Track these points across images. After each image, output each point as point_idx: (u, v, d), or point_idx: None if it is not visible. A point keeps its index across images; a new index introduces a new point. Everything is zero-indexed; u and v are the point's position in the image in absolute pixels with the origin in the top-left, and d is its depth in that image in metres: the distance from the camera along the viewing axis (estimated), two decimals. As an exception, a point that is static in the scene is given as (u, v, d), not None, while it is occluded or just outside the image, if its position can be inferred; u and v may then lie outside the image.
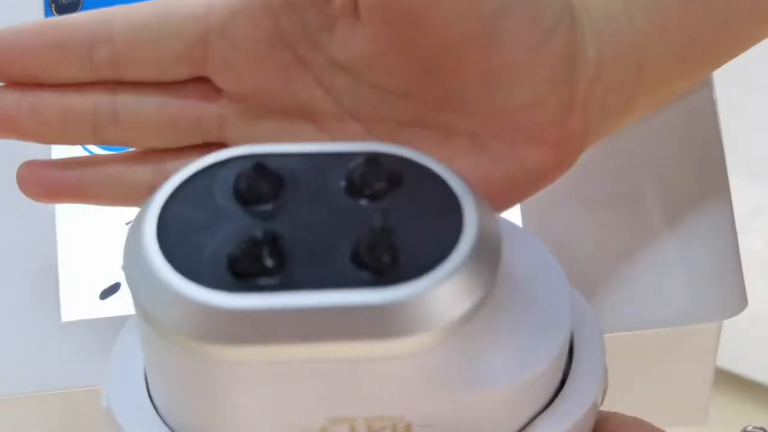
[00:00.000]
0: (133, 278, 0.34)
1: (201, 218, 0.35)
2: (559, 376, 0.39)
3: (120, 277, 0.56)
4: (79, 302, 0.55)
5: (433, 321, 0.33)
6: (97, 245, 0.56)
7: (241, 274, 0.33)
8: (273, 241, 0.34)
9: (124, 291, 0.56)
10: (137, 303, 0.34)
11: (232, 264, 0.33)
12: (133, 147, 0.48)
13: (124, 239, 0.36)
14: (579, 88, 0.44)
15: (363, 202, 0.36)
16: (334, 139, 0.46)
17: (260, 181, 0.35)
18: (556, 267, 0.40)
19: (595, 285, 0.54)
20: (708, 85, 0.56)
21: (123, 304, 0.55)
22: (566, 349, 0.39)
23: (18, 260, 0.55)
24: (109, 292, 0.56)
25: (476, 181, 0.43)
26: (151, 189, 0.46)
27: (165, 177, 0.45)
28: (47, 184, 0.47)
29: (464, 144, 0.44)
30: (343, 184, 0.36)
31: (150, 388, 0.38)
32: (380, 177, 0.36)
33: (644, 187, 0.55)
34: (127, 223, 0.57)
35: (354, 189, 0.36)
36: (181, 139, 0.47)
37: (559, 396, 0.39)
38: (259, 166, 0.35)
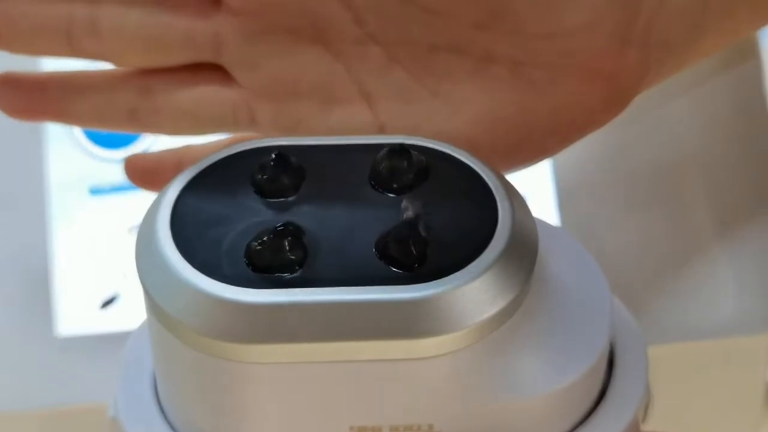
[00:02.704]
0: (146, 274, 0.36)
1: (218, 211, 0.36)
2: (597, 388, 0.40)
3: (120, 287, 0.57)
4: (75, 315, 0.56)
5: (464, 320, 0.35)
6: (96, 251, 0.57)
7: (262, 268, 0.35)
8: (295, 234, 0.35)
9: (125, 303, 0.57)
10: (150, 300, 0.36)
11: (251, 258, 0.35)
12: (114, 63, 0.46)
13: (136, 233, 0.37)
14: (641, 13, 0.42)
15: (389, 195, 0.37)
16: (347, 67, 0.44)
17: (281, 173, 0.37)
18: (596, 270, 0.41)
19: (634, 292, 0.54)
20: (759, 80, 0.57)
21: (123, 317, 0.56)
22: (605, 359, 0.40)
23: (7, 267, 0.56)
24: (109, 302, 0.57)
25: (515, 118, 0.43)
26: (133, 113, 0.46)
27: (148, 101, 0.46)
28: (25, 99, 0.47)
29: (503, 73, 0.43)
30: (367, 176, 0.37)
31: (160, 394, 0.40)
32: (407, 169, 0.37)
33: (689, 188, 0.55)
34: (129, 229, 0.58)
35: (379, 181, 0.37)
36: (170, 57, 0.45)
37: (596, 411, 0.40)
38: (280, 156, 0.37)
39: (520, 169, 0.45)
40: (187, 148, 0.48)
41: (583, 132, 0.44)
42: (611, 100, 0.43)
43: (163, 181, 0.47)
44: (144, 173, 0.48)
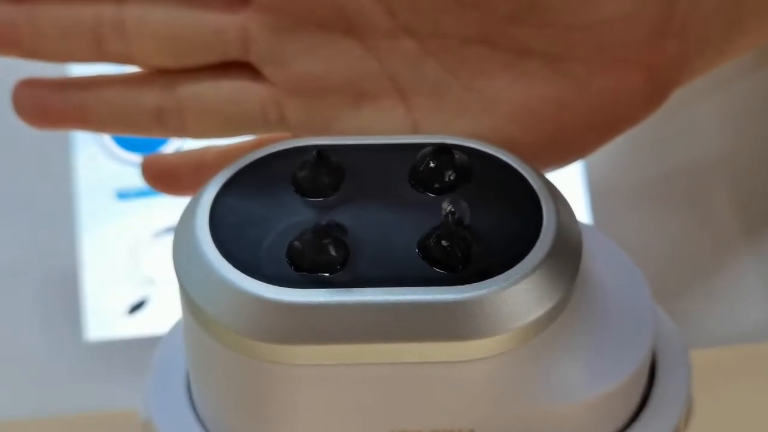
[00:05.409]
0: (185, 274, 0.35)
1: (257, 210, 0.36)
2: (639, 394, 0.40)
3: (148, 291, 0.57)
4: (103, 320, 0.56)
5: (510, 322, 0.34)
6: (123, 255, 0.57)
7: (304, 267, 0.34)
8: (338, 233, 0.35)
9: (152, 307, 0.57)
10: (188, 301, 0.35)
11: (293, 257, 0.34)
12: (141, 66, 0.46)
13: (174, 232, 0.37)
14: (679, 5, 0.42)
15: (430, 194, 0.37)
16: (379, 60, 0.43)
17: (322, 171, 0.36)
18: (637, 274, 0.40)
19: (663, 295, 0.54)
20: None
21: (151, 321, 0.56)
22: (647, 365, 0.40)
23: (35, 271, 0.56)
24: (137, 307, 0.57)
25: (551, 114, 0.42)
26: (158, 115, 0.45)
27: (174, 102, 0.45)
28: (46, 105, 0.46)
29: (539, 67, 0.42)
30: (407, 175, 0.37)
31: (194, 397, 0.39)
32: (449, 169, 0.37)
33: (719, 190, 0.55)
34: (157, 233, 0.58)
35: (420, 181, 0.37)
36: (197, 56, 0.44)
37: (639, 417, 0.40)
38: (321, 155, 0.36)
39: (554, 169, 0.44)
40: (207, 150, 0.47)
41: (621, 129, 0.43)
42: (649, 95, 0.43)
43: (182, 184, 0.46)
44: (162, 176, 0.47)
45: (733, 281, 0.54)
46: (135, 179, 0.59)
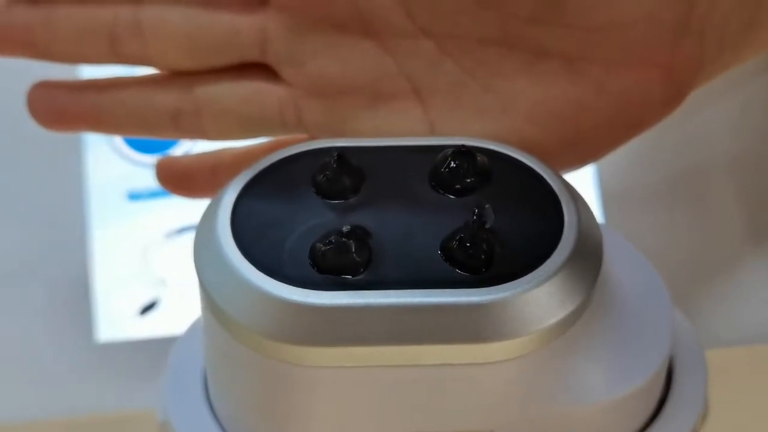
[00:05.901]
0: (206, 275, 0.35)
1: (278, 212, 0.36)
2: (656, 397, 0.40)
3: (159, 292, 0.57)
4: (115, 321, 0.56)
5: (532, 324, 0.34)
6: (135, 256, 0.57)
7: (327, 269, 0.34)
8: (361, 236, 0.35)
9: (164, 308, 0.57)
10: (209, 302, 0.35)
11: (316, 259, 0.34)
12: (157, 67, 0.45)
13: (194, 234, 0.37)
14: (697, 5, 0.41)
15: (450, 196, 0.37)
16: (397, 61, 0.43)
17: (343, 173, 0.36)
18: (656, 277, 0.41)
19: (678, 295, 0.54)
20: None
21: (163, 322, 0.56)
22: (666, 367, 0.40)
23: (46, 272, 0.56)
24: (148, 308, 0.57)
25: (570, 115, 0.41)
26: (175, 117, 0.44)
27: (191, 104, 0.44)
28: (60, 107, 0.46)
29: (557, 68, 0.42)
30: (428, 177, 0.37)
31: (212, 398, 0.39)
32: (470, 171, 0.37)
33: (727, 192, 0.55)
34: (168, 234, 0.58)
35: (441, 183, 0.37)
36: (214, 57, 0.44)
37: (656, 420, 0.40)
38: (342, 157, 0.36)
39: (571, 170, 0.44)
40: (223, 152, 0.47)
41: (638, 130, 0.43)
42: (668, 95, 0.43)
43: (197, 186, 0.46)
44: (177, 177, 0.47)
45: (743, 282, 0.54)
46: (146, 180, 0.59)
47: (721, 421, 0.47)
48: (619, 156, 0.48)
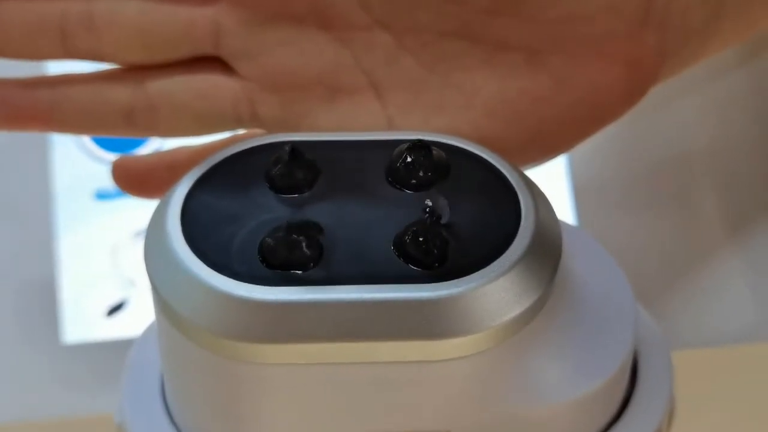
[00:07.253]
0: (156, 272, 0.35)
1: (230, 207, 0.36)
2: (620, 395, 0.40)
3: (127, 293, 0.56)
4: (82, 322, 0.55)
5: (486, 321, 0.34)
6: (102, 256, 0.57)
7: (276, 264, 0.34)
8: (311, 230, 0.34)
9: (132, 309, 0.57)
10: (160, 300, 0.35)
11: (266, 254, 0.34)
12: (110, 61, 0.44)
13: (145, 230, 0.36)
14: None
15: (407, 191, 0.36)
16: (354, 54, 0.42)
17: (296, 168, 0.36)
18: (619, 273, 0.40)
19: (648, 294, 0.53)
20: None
21: (130, 324, 0.56)
22: (629, 366, 0.39)
23: (12, 272, 0.56)
24: (116, 309, 0.56)
25: (531, 109, 0.41)
26: (128, 114, 0.44)
27: (144, 99, 0.43)
28: (13, 105, 0.44)
29: (519, 61, 0.41)
30: (384, 172, 0.36)
31: (168, 398, 0.39)
32: (427, 165, 0.36)
33: (704, 186, 0.55)
34: (136, 234, 0.57)
35: (397, 178, 0.36)
36: (167, 51, 0.44)
37: (620, 419, 0.40)
38: (295, 151, 0.36)
39: (535, 165, 0.44)
40: (179, 150, 0.46)
41: (601, 123, 0.43)
42: (629, 89, 0.42)
43: (154, 186, 0.45)
44: (133, 178, 0.46)
45: (717, 281, 0.54)
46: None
47: (690, 423, 0.47)
48: (590, 151, 0.47)
